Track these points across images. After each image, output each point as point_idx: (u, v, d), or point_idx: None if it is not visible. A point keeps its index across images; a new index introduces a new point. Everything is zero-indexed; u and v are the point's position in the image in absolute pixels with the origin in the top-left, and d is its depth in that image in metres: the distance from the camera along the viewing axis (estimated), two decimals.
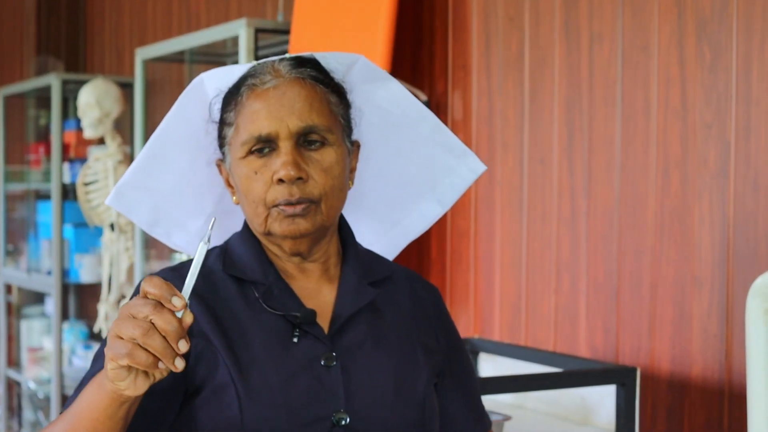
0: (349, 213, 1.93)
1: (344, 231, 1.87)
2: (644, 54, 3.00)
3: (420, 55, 3.82)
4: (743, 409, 2.62)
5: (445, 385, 1.84)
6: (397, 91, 1.85)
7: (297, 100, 1.70)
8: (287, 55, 1.76)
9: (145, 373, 1.42)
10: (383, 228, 2.00)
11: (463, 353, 1.91)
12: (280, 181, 1.69)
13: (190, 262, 1.62)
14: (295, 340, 1.73)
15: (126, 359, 1.38)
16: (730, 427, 2.79)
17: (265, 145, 1.71)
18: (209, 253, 1.77)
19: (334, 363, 1.72)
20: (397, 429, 1.71)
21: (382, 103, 1.84)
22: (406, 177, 1.93)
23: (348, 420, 1.69)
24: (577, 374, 2.81)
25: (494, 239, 3.53)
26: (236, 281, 1.79)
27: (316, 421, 1.68)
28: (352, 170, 1.81)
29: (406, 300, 1.84)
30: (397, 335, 1.79)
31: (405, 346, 1.78)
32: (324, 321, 1.76)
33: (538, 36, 3.35)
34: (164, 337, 1.38)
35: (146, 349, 1.38)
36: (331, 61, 1.77)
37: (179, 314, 1.40)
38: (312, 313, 1.74)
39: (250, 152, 1.72)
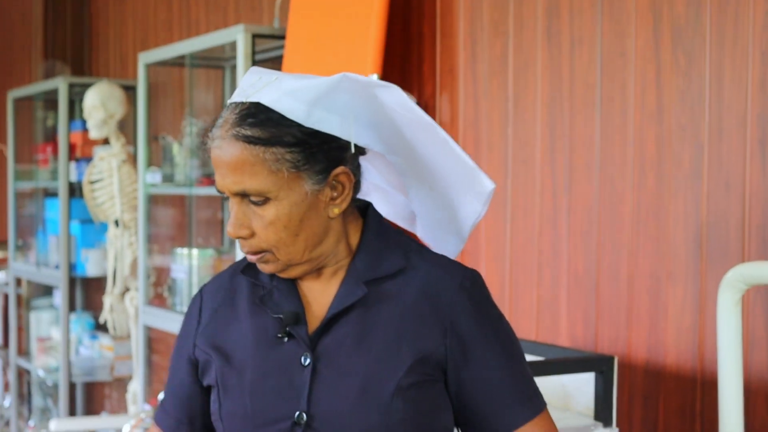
0: (420, 205, 1.89)
1: (369, 225, 1.81)
2: (622, 59, 3.00)
3: (409, 59, 3.82)
4: (714, 395, 2.62)
5: (464, 380, 1.74)
6: (400, 96, 1.74)
7: (231, 164, 1.66)
8: (236, 102, 1.69)
9: None
10: (442, 222, 1.91)
11: (491, 343, 1.76)
12: None
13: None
14: (285, 339, 1.73)
15: None
16: (703, 413, 2.80)
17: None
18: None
19: (307, 363, 1.71)
20: (357, 430, 1.68)
21: (396, 107, 1.74)
22: (448, 172, 1.83)
23: (306, 420, 1.68)
24: (558, 362, 2.80)
25: (479, 235, 3.53)
26: (250, 284, 1.82)
27: (279, 419, 1.69)
28: (334, 199, 1.72)
29: (413, 294, 1.75)
30: (385, 334, 1.72)
31: (389, 345, 1.71)
32: (319, 321, 1.76)
33: (521, 41, 3.35)
34: None
35: None
36: (288, 101, 1.65)
37: None
38: (294, 315, 1.74)
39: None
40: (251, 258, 1.73)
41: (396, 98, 1.73)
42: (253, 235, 1.69)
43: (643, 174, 2.94)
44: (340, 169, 1.71)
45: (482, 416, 1.76)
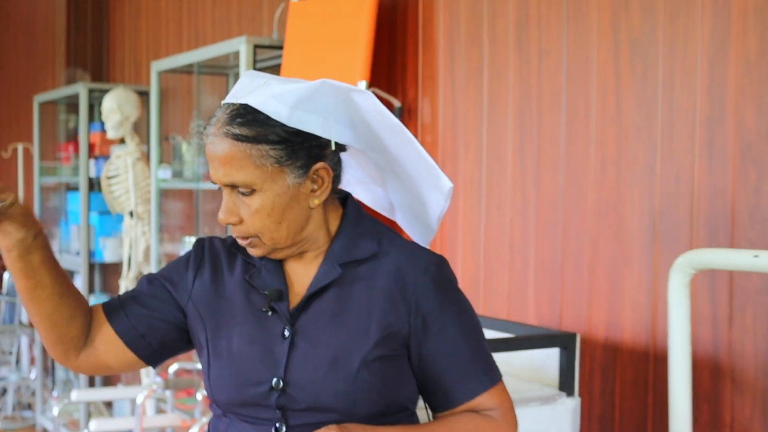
0: (396, 197, 1.90)
1: (347, 214, 1.81)
2: (585, 67, 3.01)
3: (394, 67, 3.81)
4: (665, 368, 2.63)
5: (425, 354, 1.75)
6: (373, 101, 1.75)
7: (222, 159, 1.67)
8: (228, 103, 1.70)
9: None
10: (415, 212, 1.91)
11: (450, 320, 1.75)
12: None
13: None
14: (269, 313, 1.75)
15: None
16: (655, 383, 2.81)
17: None
18: None
19: (287, 336, 1.72)
20: (326, 397, 1.68)
21: (369, 110, 1.74)
22: (415, 169, 1.83)
23: (282, 385, 1.69)
24: (527, 339, 2.81)
25: (457, 225, 3.54)
26: (244, 262, 1.83)
27: (259, 383, 1.71)
28: (314, 191, 1.72)
29: (384, 278, 1.75)
30: (356, 311, 1.73)
31: (360, 323, 1.72)
32: (299, 298, 1.77)
33: (495, 51, 3.36)
34: None
35: None
36: (273, 104, 1.66)
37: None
38: (278, 292, 1.75)
39: None
40: (241, 242, 1.75)
41: (370, 102, 1.74)
42: (241, 221, 1.71)
43: (604, 170, 2.95)
44: (320, 164, 1.71)
45: (442, 387, 1.77)
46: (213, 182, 1.72)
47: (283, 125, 1.67)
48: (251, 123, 1.66)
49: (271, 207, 1.69)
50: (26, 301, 1.76)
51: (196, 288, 1.83)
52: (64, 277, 1.78)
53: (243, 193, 1.69)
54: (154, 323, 1.83)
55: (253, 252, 1.75)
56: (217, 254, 1.86)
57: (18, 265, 1.72)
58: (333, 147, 1.73)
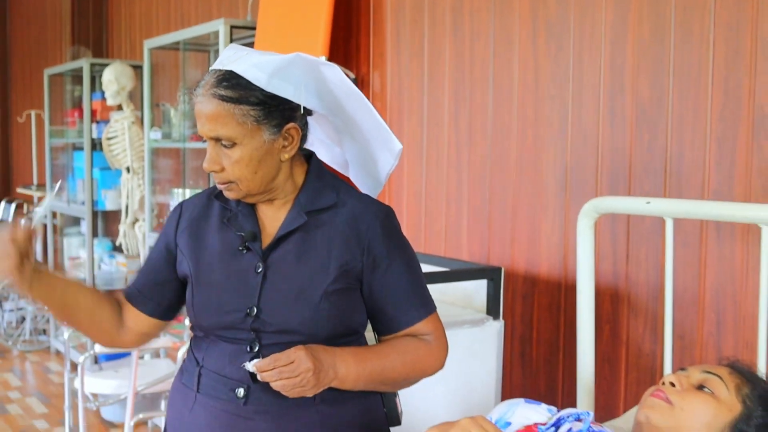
0: (351, 157, 1.88)
1: (311, 169, 1.79)
2: (509, 47, 2.99)
3: (349, 45, 3.78)
4: (574, 295, 2.66)
5: (374, 288, 1.75)
6: (338, 72, 1.73)
7: (208, 116, 1.64)
8: (215, 69, 1.67)
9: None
10: (367, 169, 1.90)
11: (395, 260, 1.75)
12: None
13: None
14: (245, 251, 1.73)
15: None
16: (565, 308, 2.84)
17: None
18: None
19: (260, 270, 1.71)
20: (293, 322, 1.68)
21: (335, 80, 1.72)
22: (371, 131, 1.82)
23: (256, 312, 1.69)
24: (461, 272, 2.82)
25: (402, 179, 3.53)
26: (221, 207, 1.81)
27: (236, 310, 1.70)
28: (285, 147, 1.70)
29: (341, 224, 1.74)
30: (318, 251, 1.71)
31: (321, 260, 1.70)
32: (270, 239, 1.75)
33: (434, 34, 3.33)
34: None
35: None
36: (253, 71, 1.64)
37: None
38: (252, 233, 1.73)
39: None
40: (221, 186, 1.72)
41: (335, 74, 1.72)
42: (223, 170, 1.68)
43: (524, 132, 2.95)
44: (291, 124, 1.69)
45: (387, 315, 1.77)
46: (200, 135, 1.69)
47: (261, 90, 1.65)
48: (235, 86, 1.64)
49: (249, 158, 1.66)
50: (62, 318, 1.81)
51: (179, 237, 1.82)
52: (77, 284, 1.82)
53: (225, 146, 1.66)
54: (161, 288, 1.84)
55: (230, 195, 1.73)
56: (194, 208, 1.84)
57: (40, 296, 1.74)
58: (302, 111, 1.71)
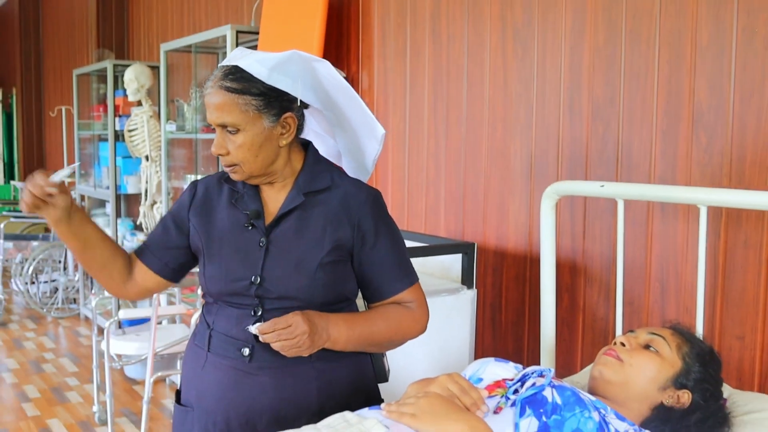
0: (342, 144, 1.87)
1: (309, 156, 1.78)
2: (481, 50, 2.99)
3: (341, 47, 3.76)
4: (537, 267, 2.67)
5: (363, 261, 1.75)
6: (329, 68, 1.74)
7: (216, 105, 1.64)
8: (223, 65, 1.67)
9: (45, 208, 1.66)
10: (356, 158, 1.90)
11: (382, 236, 1.75)
12: None
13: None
14: (250, 228, 1.73)
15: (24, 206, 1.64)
16: (530, 279, 2.84)
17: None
18: None
19: (263, 244, 1.71)
20: (292, 290, 1.68)
21: (326, 75, 1.73)
22: (358, 121, 1.81)
23: (260, 281, 1.69)
24: (439, 247, 2.82)
25: (387, 165, 3.52)
26: (229, 189, 1.81)
27: (242, 279, 1.70)
28: (282, 134, 1.70)
29: (335, 204, 1.74)
30: (314, 228, 1.71)
31: (317, 236, 1.70)
32: (272, 217, 1.75)
33: (416, 36, 3.32)
34: (34, 195, 1.63)
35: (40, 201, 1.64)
36: (256, 66, 1.64)
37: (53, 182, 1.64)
38: (256, 212, 1.73)
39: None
40: (227, 169, 1.71)
41: (327, 69, 1.72)
42: (228, 153, 1.67)
43: (494, 126, 2.94)
44: (288, 114, 1.69)
45: (375, 285, 1.77)
46: (209, 123, 1.69)
47: (263, 83, 1.65)
48: (239, 79, 1.64)
49: (251, 143, 1.66)
50: (79, 256, 1.77)
51: (192, 213, 1.81)
52: (102, 233, 1.78)
53: (230, 132, 1.66)
54: (171, 252, 1.83)
55: (234, 176, 1.72)
56: (207, 187, 1.84)
57: (66, 231, 1.72)
58: (299, 103, 1.71)
